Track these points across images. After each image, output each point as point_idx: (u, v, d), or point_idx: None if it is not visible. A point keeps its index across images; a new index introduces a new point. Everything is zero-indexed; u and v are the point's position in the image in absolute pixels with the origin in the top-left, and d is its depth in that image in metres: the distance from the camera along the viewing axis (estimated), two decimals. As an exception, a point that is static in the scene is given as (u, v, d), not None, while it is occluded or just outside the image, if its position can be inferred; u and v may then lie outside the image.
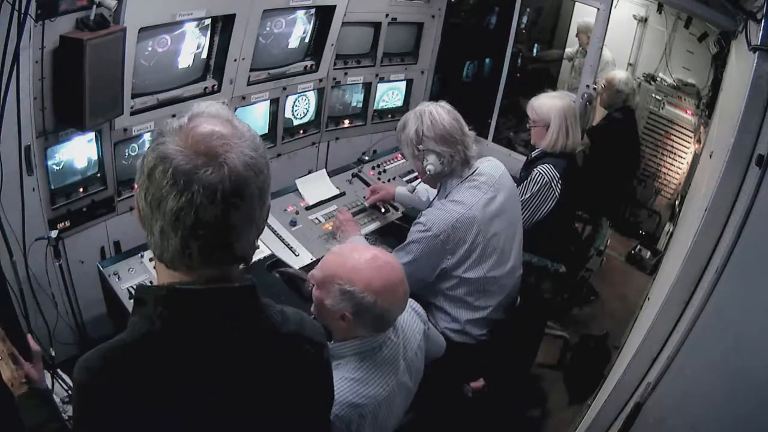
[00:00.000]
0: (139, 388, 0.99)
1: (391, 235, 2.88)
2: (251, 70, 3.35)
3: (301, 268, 2.56)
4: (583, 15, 4.90)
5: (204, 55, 3.13)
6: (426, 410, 2.12)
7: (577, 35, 5.01)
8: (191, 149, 0.93)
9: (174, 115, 3.26)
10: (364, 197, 3.10)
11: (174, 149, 0.93)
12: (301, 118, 3.92)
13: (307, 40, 3.61)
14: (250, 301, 1.08)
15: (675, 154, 4.73)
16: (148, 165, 0.95)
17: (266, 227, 2.90)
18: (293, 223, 2.84)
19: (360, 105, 4.23)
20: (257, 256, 2.64)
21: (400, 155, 3.61)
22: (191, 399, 1.01)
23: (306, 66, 3.67)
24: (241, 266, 1.06)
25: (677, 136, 4.68)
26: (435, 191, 2.51)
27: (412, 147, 2.30)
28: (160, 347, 1.00)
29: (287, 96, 3.70)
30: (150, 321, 1.01)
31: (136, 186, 1.02)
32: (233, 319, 1.04)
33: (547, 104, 2.98)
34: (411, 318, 1.87)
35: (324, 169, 3.29)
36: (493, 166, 2.40)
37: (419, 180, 2.58)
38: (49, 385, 1.73)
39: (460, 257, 2.25)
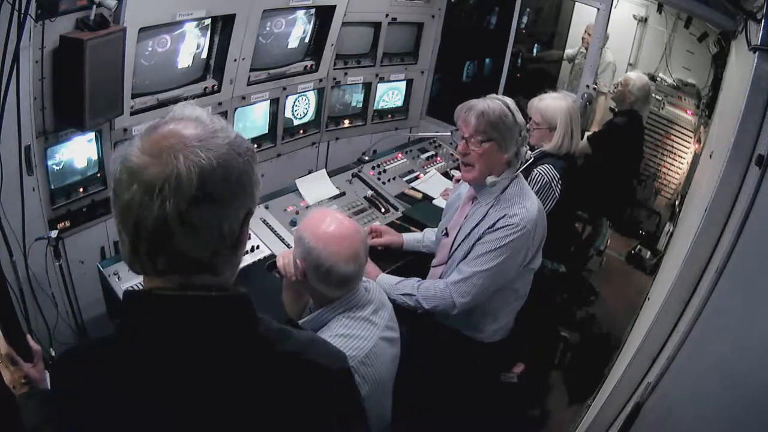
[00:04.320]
0: (95, 390, 0.97)
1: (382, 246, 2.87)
2: (251, 70, 3.35)
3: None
4: (584, 15, 4.91)
5: (204, 55, 3.13)
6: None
7: (583, 36, 5.01)
8: (144, 150, 0.91)
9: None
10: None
11: (130, 151, 0.92)
12: (301, 118, 3.92)
13: (307, 40, 3.61)
14: (228, 312, 0.98)
15: (675, 154, 4.73)
16: (115, 167, 0.94)
17: (266, 227, 2.92)
18: (293, 223, 2.85)
19: (360, 105, 4.23)
20: (257, 256, 2.65)
21: (400, 155, 3.62)
22: (145, 410, 0.96)
23: (306, 66, 3.67)
24: (212, 277, 0.98)
25: (677, 136, 4.68)
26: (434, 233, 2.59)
27: (515, 135, 2.24)
28: (121, 352, 0.98)
29: (287, 96, 3.70)
30: (117, 325, 1.02)
31: None
32: (203, 330, 0.96)
33: (552, 106, 2.97)
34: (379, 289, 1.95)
35: (324, 169, 3.30)
36: None
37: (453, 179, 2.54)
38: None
39: (535, 248, 2.30)
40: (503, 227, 2.19)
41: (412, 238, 2.79)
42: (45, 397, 1.29)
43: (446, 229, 2.47)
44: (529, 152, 2.45)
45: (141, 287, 1.00)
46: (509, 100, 2.29)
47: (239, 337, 0.99)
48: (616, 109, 4.21)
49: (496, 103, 2.25)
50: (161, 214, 0.88)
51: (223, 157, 0.92)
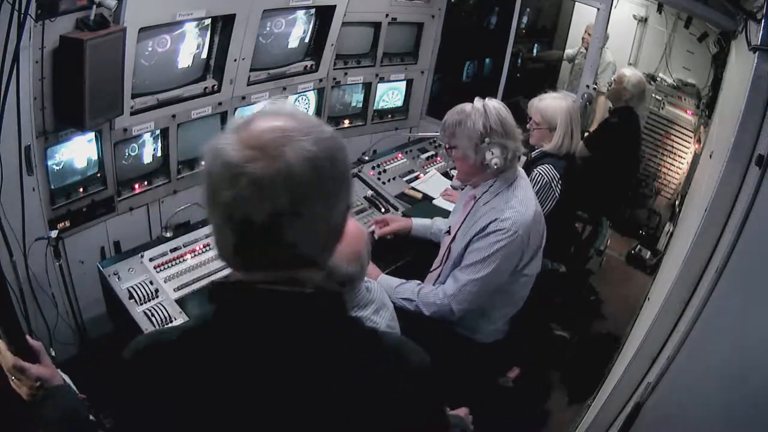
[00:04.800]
0: (171, 381, 0.95)
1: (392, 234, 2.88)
2: (251, 70, 3.35)
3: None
4: (584, 15, 4.91)
5: (204, 55, 3.13)
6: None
7: (583, 36, 5.00)
8: (246, 144, 0.87)
9: (174, 116, 3.25)
10: (369, 226, 2.85)
11: (226, 144, 0.89)
12: (301, 118, 3.92)
13: (307, 40, 3.61)
14: (322, 311, 0.97)
15: (675, 154, 4.73)
16: (207, 160, 0.91)
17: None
18: (293, 223, 2.84)
19: (360, 105, 4.23)
20: (257, 256, 2.65)
21: (400, 155, 3.62)
22: (236, 404, 0.93)
23: (306, 66, 3.67)
24: (318, 272, 0.97)
25: (677, 136, 4.68)
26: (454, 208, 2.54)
27: (475, 140, 2.22)
28: (205, 343, 0.95)
29: (287, 96, 3.70)
30: (203, 315, 0.99)
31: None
32: (294, 327, 0.94)
33: (552, 106, 2.97)
34: (380, 289, 1.95)
35: (324, 169, 3.29)
36: None
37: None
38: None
39: (531, 253, 2.29)
40: (494, 232, 2.20)
41: (420, 223, 2.80)
42: (60, 394, 1.26)
43: (449, 227, 2.48)
44: (522, 153, 2.44)
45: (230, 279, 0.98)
46: (492, 105, 2.26)
47: (340, 334, 0.99)
48: (612, 107, 4.21)
49: (461, 108, 2.27)
50: (274, 209, 0.86)
51: (329, 150, 0.91)
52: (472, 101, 2.32)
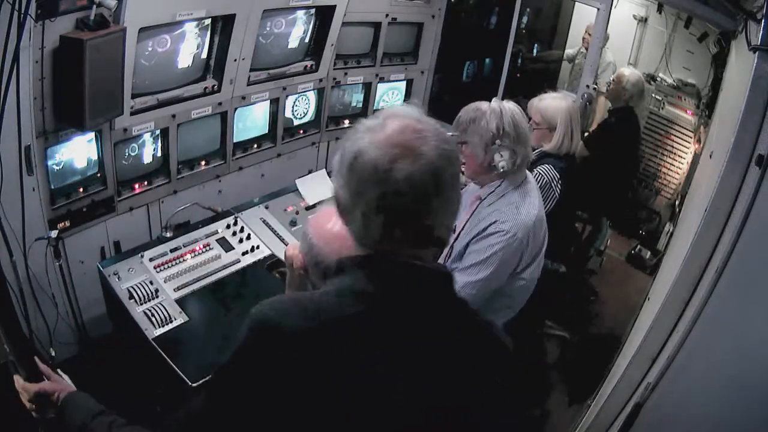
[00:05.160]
0: (316, 351, 1.00)
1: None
2: (251, 70, 3.35)
3: (301, 268, 2.57)
4: (584, 15, 4.91)
5: (204, 55, 3.13)
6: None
7: (584, 37, 5.00)
8: (387, 143, 1.00)
9: (174, 116, 3.26)
10: None
11: (370, 143, 1.01)
12: (301, 118, 3.92)
13: (307, 40, 3.61)
14: (447, 285, 1.11)
15: (675, 154, 4.73)
16: (348, 158, 1.02)
17: (266, 227, 2.93)
18: (293, 223, 2.85)
19: (360, 105, 4.23)
20: (257, 256, 2.65)
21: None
22: (375, 374, 1.02)
23: (306, 66, 3.67)
24: (435, 251, 1.11)
25: (677, 136, 4.68)
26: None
27: (486, 140, 2.20)
28: (372, 306, 1.03)
29: (287, 96, 3.70)
30: (359, 279, 1.05)
31: (333, 180, 1.10)
32: (431, 298, 1.07)
33: (552, 106, 2.96)
34: None
35: (324, 169, 3.30)
36: None
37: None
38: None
39: (530, 257, 2.27)
40: (493, 233, 2.18)
41: None
42: (80, 396, 1.33)
43: (455, 225, 2.47)
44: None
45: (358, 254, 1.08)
46: (509, 107, 2.24)
47: (456, 308, 1.13)
48: (612, 107, 4.21)
49: (477, 106, 2.25)
50: (420, 199, 1.00)
51: (452, 146, 1.06)
52: (468, 103, 2.31)
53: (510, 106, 2.25)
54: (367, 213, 1.02)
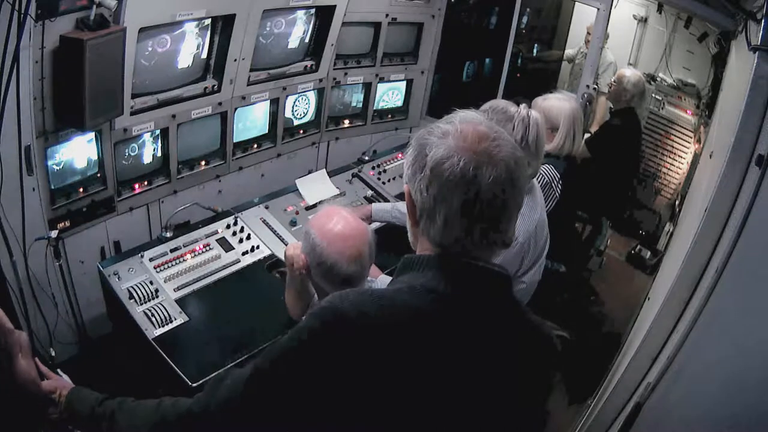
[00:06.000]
0: (386, 342, 1.03)
1: (391, 235, 2.88)
2: (251, 70, 3.35)
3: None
4: (584, 15, 4.91)
5: (204, 55, 3.13)
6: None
7: (587, 39, 4.99)
8: (471, 150, 1.06)
9: (174, 116, 3.24)
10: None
11: (454, 149, 1.06)
12: (301, 118, 3.92)
13: (307, 40, 3.61)
14: (507, 287, 1.16)
15: (675, 154, 4.73)
16: (431, 164, 1.07)
17: (266, 227, 2.92)
18: (293, 223, 2.85)
19: (360, 105, 4.23)
20: (257, 256, 2.65)
21: (400, 155, 3.62)
22: (440, 366, 1.06)
23: (306, 66, 3.67)
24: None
25: (677, 136, 4.68)
26: None
27: None
28: (445, 305, 1.07)
29: (287, 96, 3.70)
30: (431, 278, 1.08)
31: (407, 184, 1.18)
32: (495, 299, 1.13)
33: (556, 107, 2.95)
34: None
35: (324, 169, 3.30)
36: None
37: None
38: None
39: (531, 261, 2.26)
40: None
41: (379, 208, 2.80)
42: (81, 390, 1.37)
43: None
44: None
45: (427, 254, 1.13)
46: (536, 119, 2.18)
47: (513, 308, 1.19)
48: (613, 108, 4.20)
49: (505, 107, 2.20)
50: (502, 204, 1.06)
51: (521, 153, 1.12)
52: (468, 103, 2.27)
53: (537, 116, 2.20)
54: (449, 216, 1.07)
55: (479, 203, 1.05)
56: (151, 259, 2.49)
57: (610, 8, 3.93)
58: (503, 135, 1.11)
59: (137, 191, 3.12)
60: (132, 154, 3.05)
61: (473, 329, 1.09)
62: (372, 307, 1.05)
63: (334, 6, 3.52)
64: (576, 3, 4.83)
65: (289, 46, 3.54)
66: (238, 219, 2.78)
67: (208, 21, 2.98)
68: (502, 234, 1.10)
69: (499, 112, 2.19)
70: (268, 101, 3.61)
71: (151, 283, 2.39)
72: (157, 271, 2.46)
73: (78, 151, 2.76)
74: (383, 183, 3.35)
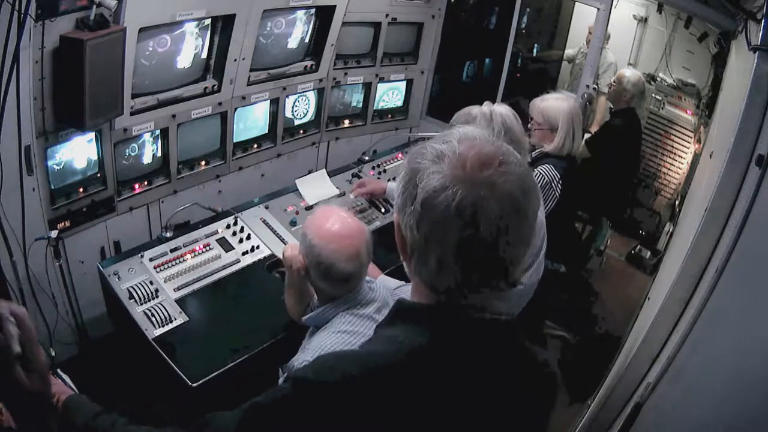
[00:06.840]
0: (386, 407, 0.93)
1: (391, 235, 2.88)
2: (251, 70, 3.35)
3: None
4: (584, 15, 4.90)
5: (204, 55, 3.13)
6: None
7: (588, 39, 4.99)
8: (468, 180, 0.88)
9: (174, 116, 3.24)
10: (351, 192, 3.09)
11: (450, 179, 0.89)
12: (301, 118, 3.92)
13: (307, 40, 3.61)
14: (511, 335, 1.05)
15: (675, 154, 4.73)
16: (421, 196, 0.90)
17: (266, 227, 2.92)
18: (293, 223, 2.84)
19: (360, 105, 4.23)
20: (257, 256, 2.65)
21: (400, 155, 3.62)
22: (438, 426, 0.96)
23: (306, 66, 3.67)
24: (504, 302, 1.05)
25: (677, 136, 4.68)
26: None
27: None
28: (425, 364, 0.95)
29: (287, 96, 3.70)
30: (418, 334, 0.96)
31: (397, 214, 0.98)
32: (493, 353, 1.00)
33: (554, 107, 2.95)
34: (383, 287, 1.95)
35: (324, 169, 3.29)
36: None
37: None
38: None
39: (528, 261, 2.26)
40: None
41: (393, 186, 2.81)
42: (80, 398, 1.32)
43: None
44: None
45: (421, 303, 1.00)
46: (499, 111, 2.20)
47: (516, 355, 1.05)
48: (613, 109, 4.20)
49: (468, 111, 2.24)
50: (504, 244, 0.89)
51: (531, 175, 0.96)
52: (468, 103, 2.29)
53: (501, 110, 2.21)
54: (443, 258, 0.91)
55: (478, 244, 0.88)
56: (151, 259, 2.49)
57: (610, 8, 3.92)
58: (511, 156, 0.93)
59: (137, 191, 3.12)
60: (132, 154, 3.05)
61: (466, 390, 0.97)
62: (353, 368, 0.95)
63: (334, 6, 3.52)
64: (576, 3, 4.83)
65: (289, 46, 3.54)
66: (238, 219, 2.78)
67: (208, 21, 2.98)
68: (509, 275, 0.94)
69: (462, 116, 2.22)
70: (268, 101, 3.61)
71: (151, 283, 2.39)
72: (157, 271, 2.46)
73: (78, 151, 2.76)
74: (378, 179, 3.34)
